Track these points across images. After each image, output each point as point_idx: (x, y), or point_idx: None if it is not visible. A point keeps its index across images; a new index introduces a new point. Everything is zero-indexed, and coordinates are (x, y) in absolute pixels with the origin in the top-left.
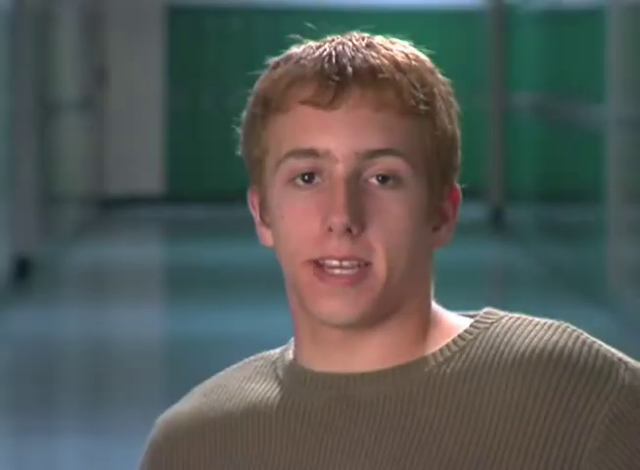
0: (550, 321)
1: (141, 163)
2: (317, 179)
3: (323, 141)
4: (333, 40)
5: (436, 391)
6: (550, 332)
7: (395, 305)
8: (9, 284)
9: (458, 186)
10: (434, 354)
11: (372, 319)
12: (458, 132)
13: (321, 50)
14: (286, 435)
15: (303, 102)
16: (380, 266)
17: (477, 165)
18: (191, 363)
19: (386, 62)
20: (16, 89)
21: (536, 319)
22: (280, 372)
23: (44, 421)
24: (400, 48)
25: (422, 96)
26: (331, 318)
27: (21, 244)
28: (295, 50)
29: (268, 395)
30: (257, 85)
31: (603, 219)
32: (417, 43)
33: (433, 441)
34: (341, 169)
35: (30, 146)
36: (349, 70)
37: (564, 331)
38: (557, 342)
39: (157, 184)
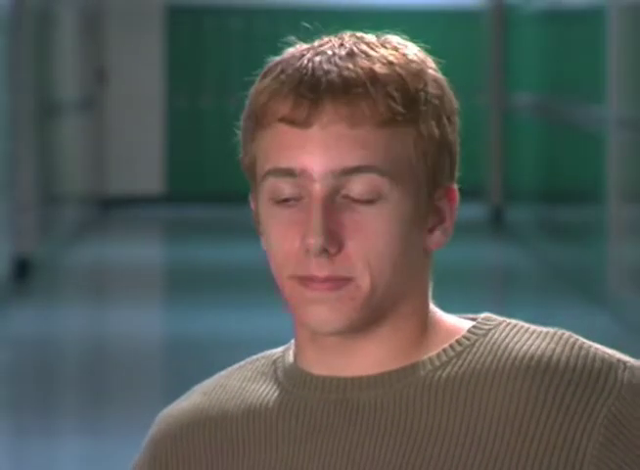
0: (546, 329)
1: (141, 163)
2: (297, 198)
3: (299, 160)
4: (316, 47)
5: (432, 395)
6: (547, 340)
7: (386, 310)
8: (9, 284)
9: (454, 186)
10: (430, 359)
11: (362, 325)
12: (450, 133)
13: (300, 62)
14: (284, 438)
15: (280, 119)
16: (363, 281)
17: (477, 165)
18: (190, 363)
19: (361, 74)
20: (16, 89)
21: (533, 327)
22: (280, 373)
23: (44, 421)
24: (385, 52)
25: (400, 107)
26: (319, 328)
27: (21, 244)
28: (282, 57)
29: (268, 397)
30: (249, 93)
31: (603, 219)
32: (418, 43)
33: (427, 446)
34: (317, 188)
35: (30, 146)
36: (323, 85)
37: (560, 338)
38: (554, 349)
39: (157, 184)
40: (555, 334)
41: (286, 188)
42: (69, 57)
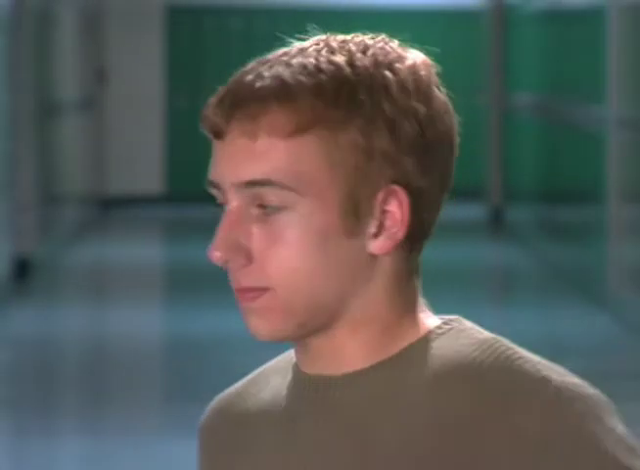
0: (484, 336)
1: (141, 163)
2: (225, 208)
3: (214, 173)
4: (266, 55)
5: (379, 401)
6: (474, 348)
7: (328, 317)
8: (9, 284)
9: (398, 188)
10: (385, 362)
11: (303, 332)
12: (386, 137)
13: (240, 71)
14: (280, 438)
15: (209, 133)
16: (279, 291)
17: (477, 165)
18: (190, 363)
19: (269, 86)
20: (16, 89)
21: (477, 333)
22: (291, 369)
23: (44, 421)
24: (323, 59)
25: (309, 118)
26: (256, 336)
27: (21, 244)
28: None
29: (276, 396)
30: None
31: (603, 219)
32: (418, 43)
33: (374, 454)
34: (230, 200)
35: (30, 146)
36: (236, 98)
37: (489, 347)
38: (476, 357)
39: (156, 184)
40: (485, 342)
41: (219, 197)
42: (69, 57)
